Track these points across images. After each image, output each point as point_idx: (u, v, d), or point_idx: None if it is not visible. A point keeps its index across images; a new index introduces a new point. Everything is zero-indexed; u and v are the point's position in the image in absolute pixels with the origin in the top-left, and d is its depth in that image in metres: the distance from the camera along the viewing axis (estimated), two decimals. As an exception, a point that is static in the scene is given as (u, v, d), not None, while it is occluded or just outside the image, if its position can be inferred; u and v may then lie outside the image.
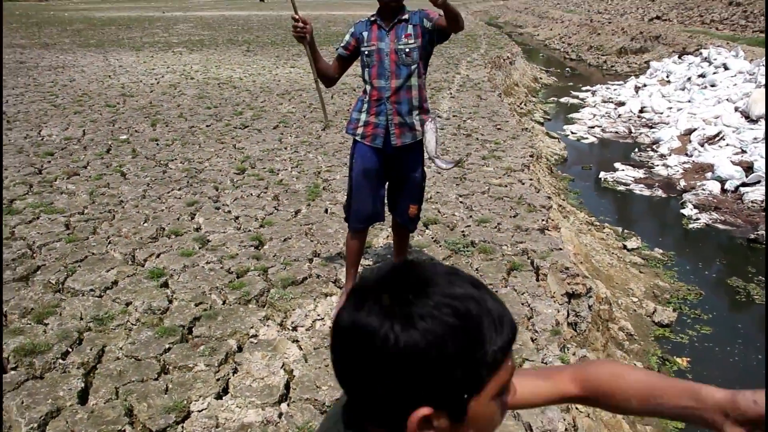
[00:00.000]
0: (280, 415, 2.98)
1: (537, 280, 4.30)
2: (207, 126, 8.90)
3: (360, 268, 3.91)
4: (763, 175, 9.91)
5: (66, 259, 4.60)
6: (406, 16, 3.56)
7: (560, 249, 4.76)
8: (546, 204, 5.68)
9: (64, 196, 6.02)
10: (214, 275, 4.32)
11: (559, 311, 3.95)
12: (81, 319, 3.79)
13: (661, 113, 14.97)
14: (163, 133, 8.47)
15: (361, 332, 0.81)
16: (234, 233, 5.05)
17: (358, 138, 3.69)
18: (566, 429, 3.03)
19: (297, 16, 3.42)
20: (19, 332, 3.65)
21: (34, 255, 4.70)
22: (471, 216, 5.34)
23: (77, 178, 6.59)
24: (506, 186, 6.16)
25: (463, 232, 5.04)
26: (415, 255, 4.58)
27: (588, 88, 19.28)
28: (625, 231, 8.95)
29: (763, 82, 13.44)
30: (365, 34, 3.59)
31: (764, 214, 8.53)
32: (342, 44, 3.68)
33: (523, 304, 3.96)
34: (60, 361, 3.39)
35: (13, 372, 3.30)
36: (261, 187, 6.22)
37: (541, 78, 20.81)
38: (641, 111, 15.57)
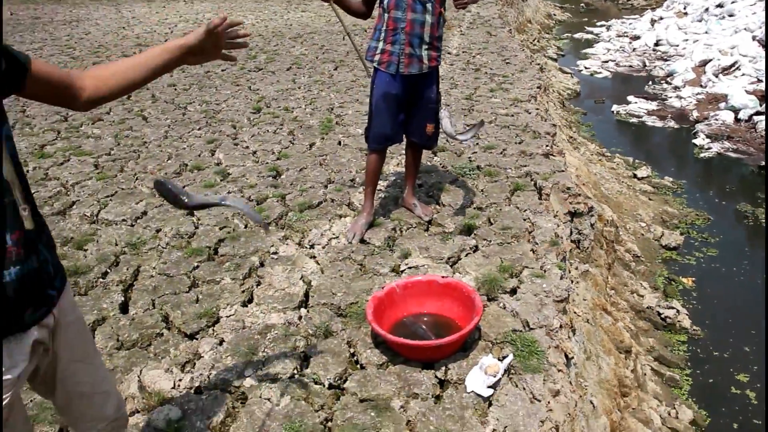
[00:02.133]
0: (300, 317, 3.29)
1: (539, 198, 4.54)
2: (222, 70, 9.10)
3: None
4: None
5: (98, 195, 4.91)
6: None
7: (563, 171, 4.98)
8: (551, 131, 5.87)
9: (90, 139, 6.31)
10: (235, 203, 4.62)
11: (559, 226, 4.19)
12: (116, 244, 4.11)
13: (677, 46, 14.88)
14: (180, 78, 8.70)
15: None
16: (252, 166, 5.32)
17: (375, 64, 3.90)
18: (561, 326, 3.31)
19: None
20: (62, 257, 3.98)
21: (68, 192, 5.01)
22: (478, 144, 5.56)
23: (101, 123, 6.86)
24: (513, 115, 6.34)
25: (469, 158, 5.26)
26: (423, 179, 4.83)
27: (603, 23, 19.12)
28: (636, 161, 9.11)
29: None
30: None
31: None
32: None
33: (524, 219, 4.20)
34: (101, 279, 3.72)
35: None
36: (276, 124, 6.46)
37: (555, 15, 20.64)
38: (656, 44, 15.48)
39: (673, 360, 5.26)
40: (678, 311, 5.71)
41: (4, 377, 1.47)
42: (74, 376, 1.73)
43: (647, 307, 5.81)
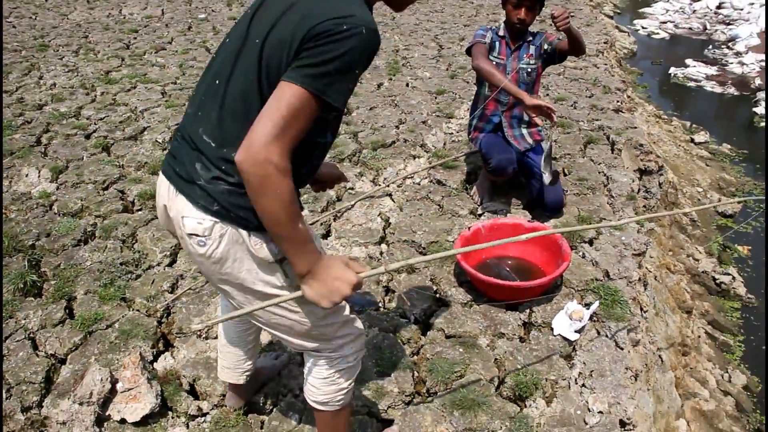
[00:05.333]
0: (381, 252, 3.32)
1: (612, 152, 4.50)
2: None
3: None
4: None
5: (168, 122, 4.96)
6: (530, 38, 3.68)
7: (635, 128, 4.91)
8: (621, 87, 5.78)
9: (155, 68, 6.35)
10: (308, 138, 4.63)
11: (634, 181, 4.16)
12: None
13: (741, 9, 14.37)
14: (239, 12, 8.66)
15: None
16: (321, 103, 5.32)
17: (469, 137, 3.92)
18: (639, 278, 3.31)
19: None
20: (138, 181, 4.05)
21: (138, 118, 5.06)
22: (548, 95, 5.49)
23: (164, 52, 6.89)
24: (581, 69, 6.25)
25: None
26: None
27: (662, -18, 18.52)
28: (693, 126, 8.92)
29: None
30: (496, 44, 3.67)
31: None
32: (484, 40, 3.63)
33: (599, 172, 4.18)
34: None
35: (139, 212, 3.72)
36: (342, 63, 6.41)
37: (612, -29, 20.01)
38: (719, 6, 14.96)
39: (727, 325, 5.24)
40: (734, 278, 5.66)
41: None
42: None
43: (702, 272, 5.76)
